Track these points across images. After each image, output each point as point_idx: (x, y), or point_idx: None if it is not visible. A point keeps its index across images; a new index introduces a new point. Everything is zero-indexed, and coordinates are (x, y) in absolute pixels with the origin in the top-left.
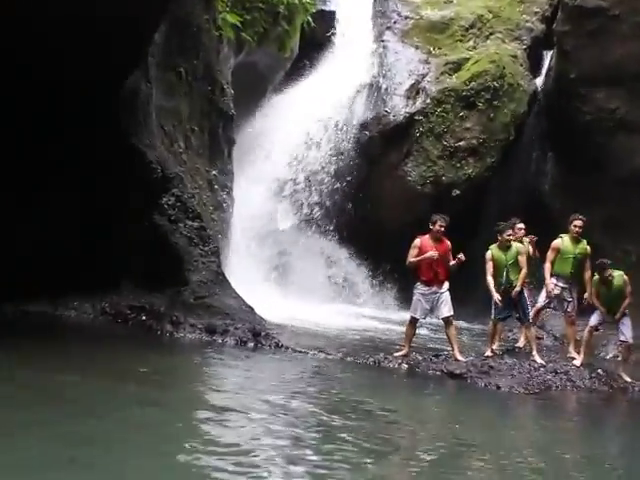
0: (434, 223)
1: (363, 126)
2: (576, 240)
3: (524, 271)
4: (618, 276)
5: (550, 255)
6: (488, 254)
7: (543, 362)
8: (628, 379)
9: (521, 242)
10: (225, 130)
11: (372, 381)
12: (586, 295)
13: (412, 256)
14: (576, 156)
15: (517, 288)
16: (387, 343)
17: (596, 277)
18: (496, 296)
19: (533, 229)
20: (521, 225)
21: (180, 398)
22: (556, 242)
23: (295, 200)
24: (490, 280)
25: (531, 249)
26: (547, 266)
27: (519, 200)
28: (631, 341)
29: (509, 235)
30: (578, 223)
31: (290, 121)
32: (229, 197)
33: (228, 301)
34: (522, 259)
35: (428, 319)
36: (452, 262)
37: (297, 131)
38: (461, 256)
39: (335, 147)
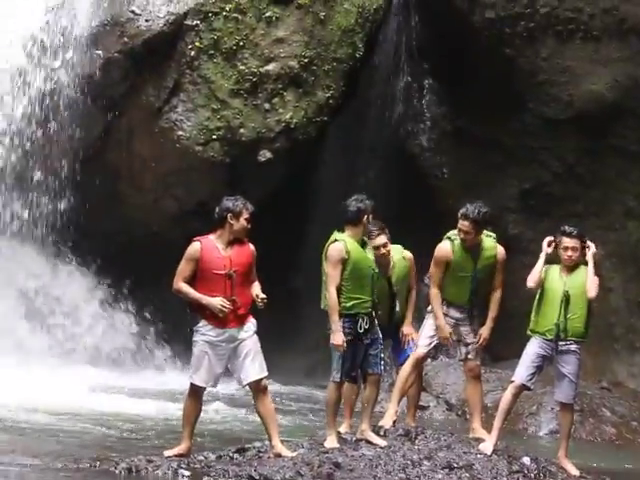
0: (232, 214)
1: (92, 41)
2: (472, 244)
3: (413, 294)
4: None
5: (435, 271)
6: (337, 248)
7: (382, 443)
8: (575, 472)
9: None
10: None
11: None
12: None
13: (182, 276)
14: (474, 87)
15: (409, 319)
16: (154, 433)
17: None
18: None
19: (397, 223)
20: (381, 240)
21: None
22: (442, 249)
23: None
24: (332, 299)
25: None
26: (434, 292)
27: (381, 164)
28: (571, 401)
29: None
30: (466, 225)
31: None
32: None
33: None
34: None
35: (224, 387)
36: (257, 294)
37: None
38: (260, 293)
39: (37, 83)
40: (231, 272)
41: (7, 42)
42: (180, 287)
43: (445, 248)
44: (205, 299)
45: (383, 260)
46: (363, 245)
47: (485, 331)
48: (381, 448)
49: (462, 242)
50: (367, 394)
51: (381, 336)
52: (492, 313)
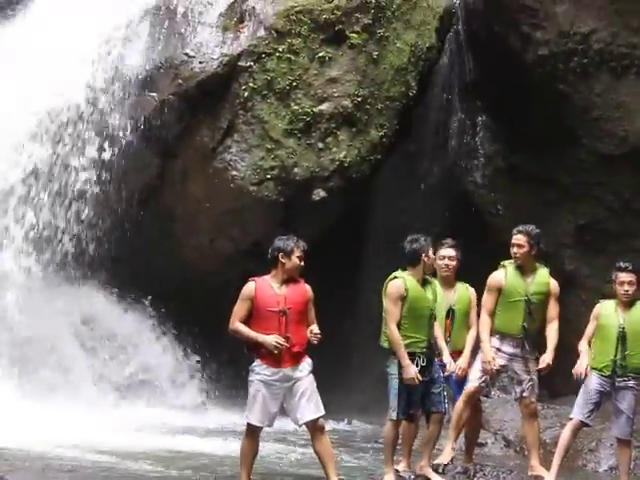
0: (284, 254)
1: (146, 84)
2: (525, 268)
3: (473, 332)
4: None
5: (487, 298)
6: (396, 284)
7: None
8: None
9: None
10: None
11: None
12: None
13: (238, 315)
14: (527, 123)
15: (466, 354)
16: (213, 473)
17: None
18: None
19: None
20: (448, 252)
21: None
22: (494, 276)
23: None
24: (394, 335)
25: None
26: (484, 318)
27: (435, 200)
28: (628, 437)
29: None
30: (520, 238)
31: None
32: None
33: None
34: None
35: (281, 425)
36: (312, 329)
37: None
38: (314, 328)
39: (94, 125)
40: (285, 309)
41: (62, 86)
42: (236, 327)
43: (497, 275)
44: (260, 337)
45: (442, 272)
46: (424, 284)
47: (547, 357)
48: None
49: (515, 260)
50: (430, 431)
51: (441, 374)
52: (551, 343)
